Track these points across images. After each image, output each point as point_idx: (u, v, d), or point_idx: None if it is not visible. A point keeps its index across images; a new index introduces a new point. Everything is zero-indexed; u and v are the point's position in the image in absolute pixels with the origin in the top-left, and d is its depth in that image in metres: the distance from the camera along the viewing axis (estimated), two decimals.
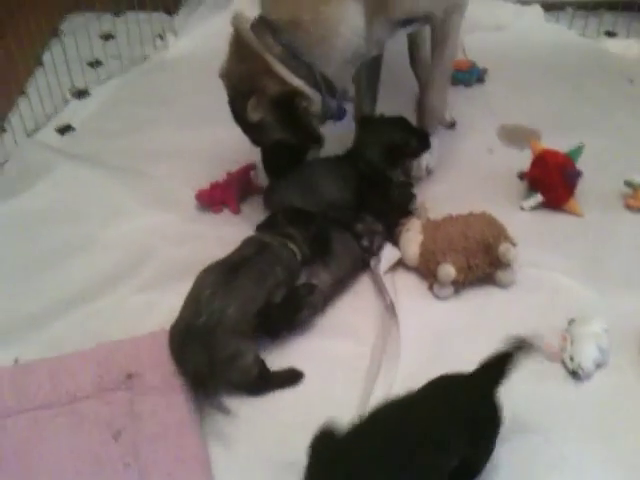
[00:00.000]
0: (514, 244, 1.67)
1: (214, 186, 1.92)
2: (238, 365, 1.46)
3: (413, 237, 1.72)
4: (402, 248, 1.73)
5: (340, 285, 1.68)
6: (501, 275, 1.69)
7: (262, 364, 1.50)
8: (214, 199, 1.91)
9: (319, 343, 1.59)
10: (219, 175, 1.95)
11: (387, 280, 1.69)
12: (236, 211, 1.90)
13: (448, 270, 1.64)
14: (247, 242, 1.64)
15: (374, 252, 1.72)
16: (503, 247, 1.65)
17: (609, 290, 1.68)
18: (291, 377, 1.52)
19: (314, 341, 1.60)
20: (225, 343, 1.43)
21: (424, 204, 1.82)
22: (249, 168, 1.98)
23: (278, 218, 1.69)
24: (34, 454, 1.37)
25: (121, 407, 1.42)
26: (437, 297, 1.68)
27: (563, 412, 1.45)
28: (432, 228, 1.73)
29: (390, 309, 1.64)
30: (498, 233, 1.68)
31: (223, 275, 1.50)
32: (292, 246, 1.62)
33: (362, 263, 1.72)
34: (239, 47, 1.66)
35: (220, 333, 1.43)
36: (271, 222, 1.71)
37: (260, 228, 1.71)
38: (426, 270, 1.70)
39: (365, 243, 1.71)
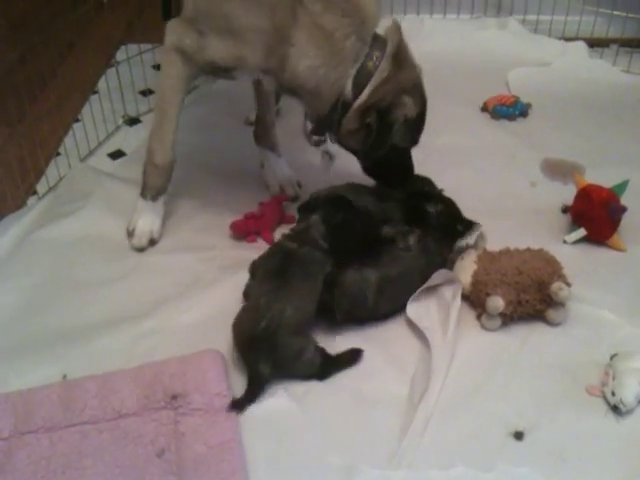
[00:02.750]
0: (568, 284, 1.66)
1: (248, 217, 1.96)
2: (303, 361, 1.55)
3: (467, 266, 1.73)
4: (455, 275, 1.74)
5: (392, 285, 1.68)
6: (552, 313, 1.67)
7: (323, 352, 1.58)
8: (249, 229, 1.95)
9: (360, 369, 1.60)
10: (253, 205, 2.00)
11: (433, 307, 1.71)
12: (270, 241, 1.93)
13: (497, 302, 1.64)
14: (271, 252, 1.69)
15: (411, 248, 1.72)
16: (555, 286, 1.64)
17: None
18: (352, 357, 1.61)
19: (354, 367, 1.61)
20: (288, 343, 1.52)
21: (483, 234, 1.82)
22: (281, 199, 2.04)
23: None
24: (79, 468, 1.40)
25: (165, 426, 1.45)
26: (484, 328, 1.68)
27: (604, 446, 1.44)
28: (487, 259, 1.73)
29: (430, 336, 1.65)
30: (553, 271, 1.67)
31: (274, 282, 1.57)
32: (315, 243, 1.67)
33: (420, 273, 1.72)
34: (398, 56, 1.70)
35: (281, 335, 1.51)
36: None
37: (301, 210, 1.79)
38: (476, 300, 1.70)
39: (401, 245, 1.72)
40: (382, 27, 1.74)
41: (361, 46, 1.66)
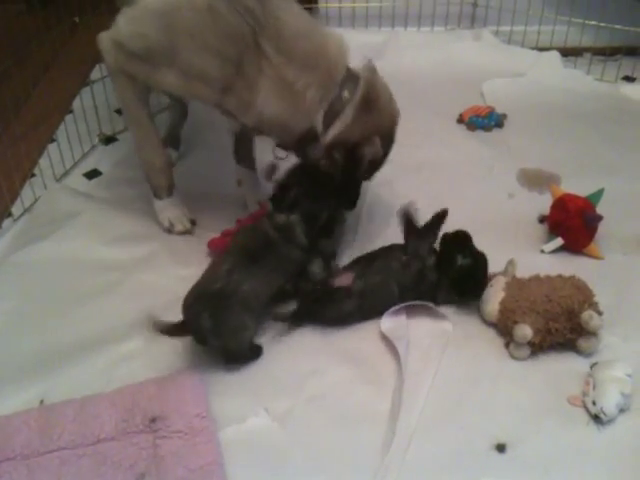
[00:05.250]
0: (600, 312, 1.62)
1: (226, 234, 1.95)
2: (241, 337, 1.58)
3: (494, 293, 1.69)
4: (482, 302, 1.71)
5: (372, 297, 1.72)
6: (583, 343, 1.62)
7: (255, 345, 1.64)
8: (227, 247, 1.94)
9: (340, 385, 1.60)
10: (230, 222, 1.99)
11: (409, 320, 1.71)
12: None
13: (524, 330, 1.59)
14: (253, 232, 1.73)
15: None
16: (586, 314, 1.59)
17: (632, 334, 1.68)
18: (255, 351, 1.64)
19: (335, 384, 1.60)
20: (236, 314, 1.55)
21: (513, 261, 1.77)
22: (259, 215, 2.02)
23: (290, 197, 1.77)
24: None
25: (145, 450, 1.43)
26: (512, 357, 1.63)
27: (586, 457, 1.44)
28: (516, 287, 1.68)
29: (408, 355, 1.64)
30: (584, 299, 1.62)
31: (243, 259, 1.61)
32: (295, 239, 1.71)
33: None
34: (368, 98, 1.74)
35: (234, 302, 1.54)
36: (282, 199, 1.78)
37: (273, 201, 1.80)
38: (504, 328, 1.66)
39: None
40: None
41: (324, 93, 1.71)
